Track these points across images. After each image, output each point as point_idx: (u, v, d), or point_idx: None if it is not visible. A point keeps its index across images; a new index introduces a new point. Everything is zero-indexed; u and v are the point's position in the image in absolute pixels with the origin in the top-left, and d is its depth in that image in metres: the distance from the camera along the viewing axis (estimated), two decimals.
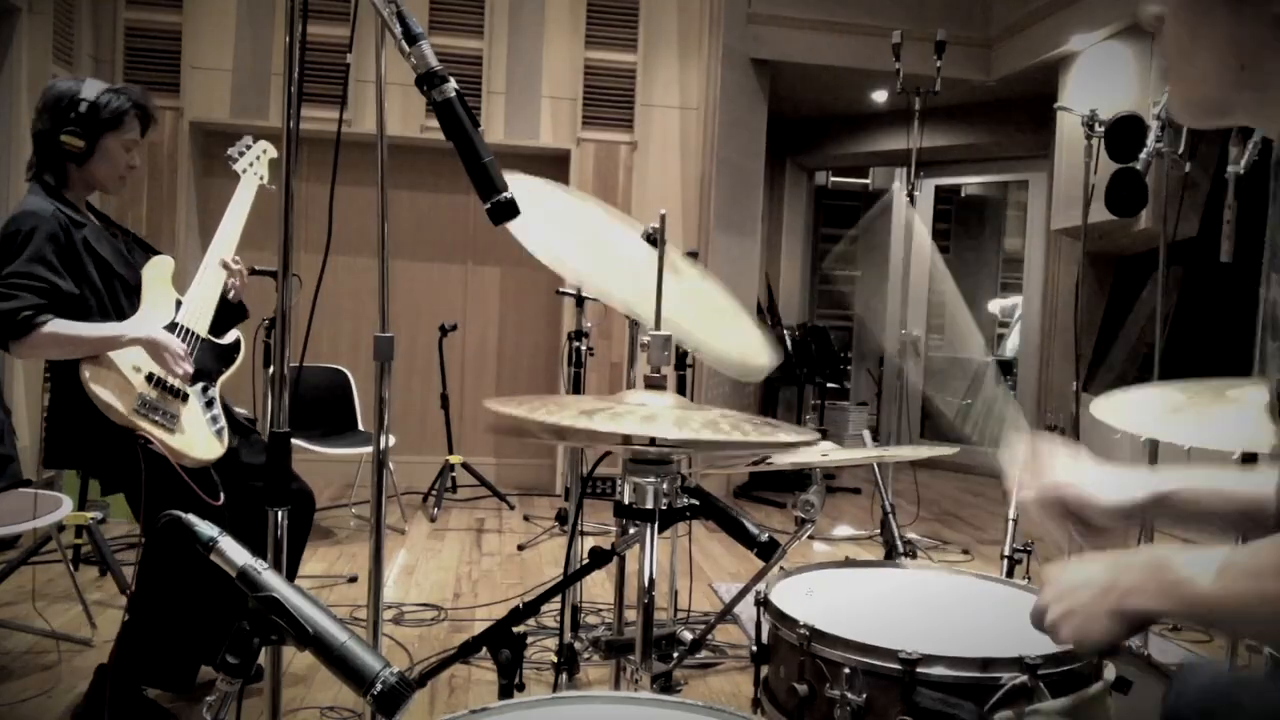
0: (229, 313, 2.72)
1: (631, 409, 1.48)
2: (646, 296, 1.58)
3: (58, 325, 2.30)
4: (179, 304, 2.59)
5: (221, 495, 2.44)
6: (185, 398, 2.48)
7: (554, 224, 1.78)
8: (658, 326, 1.57)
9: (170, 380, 2.44)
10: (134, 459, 2.32)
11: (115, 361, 2.38)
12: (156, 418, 2.38)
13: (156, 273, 2.58)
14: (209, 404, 2.55)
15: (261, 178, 2.85)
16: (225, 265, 2.65)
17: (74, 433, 2.41)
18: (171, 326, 2.51)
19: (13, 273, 2.28)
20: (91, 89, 2.46)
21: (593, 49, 5.81)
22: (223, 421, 2.55)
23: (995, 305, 8.45)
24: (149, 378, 2.41)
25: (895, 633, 1.29)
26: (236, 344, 2.72)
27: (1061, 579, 1.00)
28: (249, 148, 2.86)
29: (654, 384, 1.58)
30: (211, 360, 2.62)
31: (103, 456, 2.42)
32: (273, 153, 2.96)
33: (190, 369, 2.46)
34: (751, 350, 1.90)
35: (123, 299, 2.49)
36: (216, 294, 2.64)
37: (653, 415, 1.45)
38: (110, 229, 2.62)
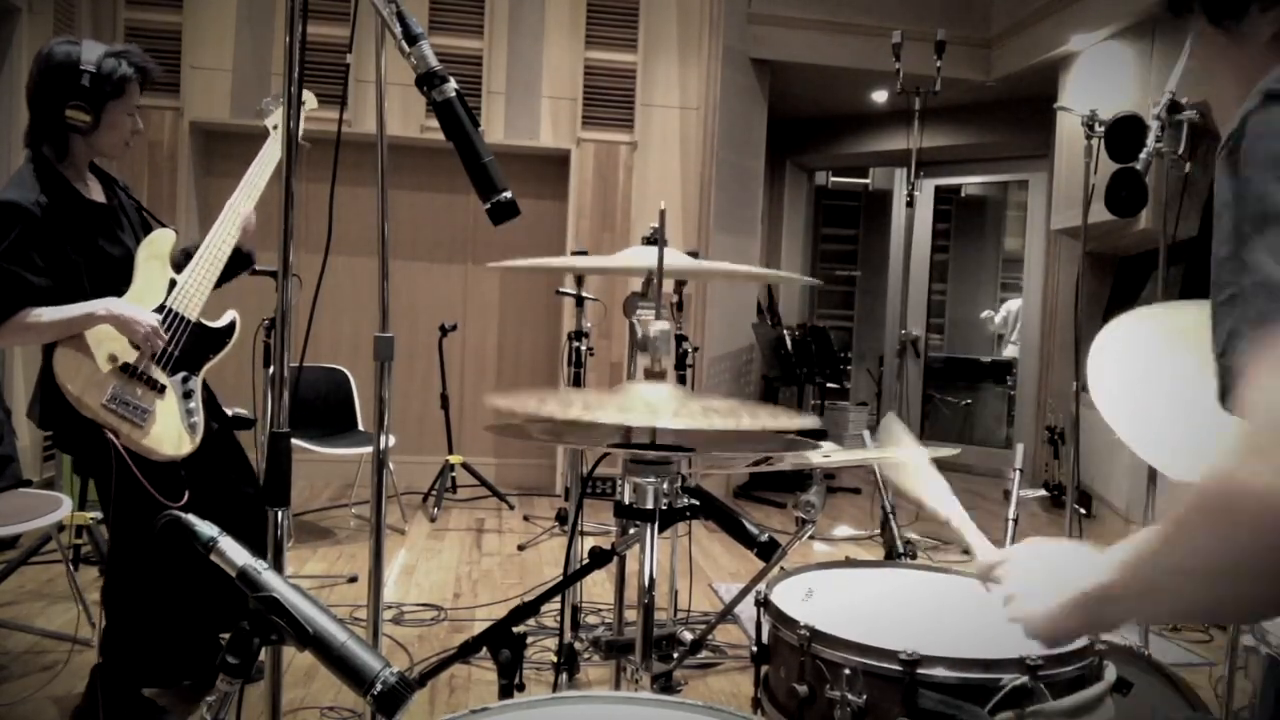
0: (236, 260, 2.61)
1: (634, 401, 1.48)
2: None
3: (26, 315, 2.25)
4: (173, 284, 2.48)
5: (186, 494, 2.37)
6: (162, 390, 2.40)
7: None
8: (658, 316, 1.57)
9: (143, 365, 2.36)
10: (102, 450, 2.28)
11: (90, 352, 2.31)
12: (126, 413, 2.31)
13: (152, 250, 2.48)
14: (187, 395, 2.46)
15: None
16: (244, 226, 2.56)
17: (52, 406, 2.35)
18: (159, 309, 2.43)
19: None
20: (91, 53, 2.33)
21: (593, 49, 5.81)
22: (198, 416, 2.46)
23: (997, 317, 8.39)
24: (124, 368, 2.34)
25: (895, 633, 1.29)
26: (230, 327, 2.60)
27: (1023, 567, 1.06)
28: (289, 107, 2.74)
29: (654, 377, 1.57)
30: (199, 347, 2.51)
31: (73, 440, 2.39)
32: (312, 103, 2.76)
33: (162, 343, 2.38)
34: None
35: (111, 281, 2.40)
36: (214, 277, 2.53)
37: (654, 408, 1.45)
38: (115, 197, 2.53)
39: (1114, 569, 0.89)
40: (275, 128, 2.70)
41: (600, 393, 1.56)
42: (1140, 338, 1.50)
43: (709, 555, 4.57)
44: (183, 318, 2.47)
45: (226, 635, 1.02)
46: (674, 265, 1.66)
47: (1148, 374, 1.42)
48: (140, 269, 2.46)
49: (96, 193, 2.49)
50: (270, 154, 2.64)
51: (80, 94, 2.31)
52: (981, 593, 1.59)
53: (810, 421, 1.47)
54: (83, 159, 2.44)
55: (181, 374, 2.47)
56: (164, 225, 2.59)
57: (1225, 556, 0.75)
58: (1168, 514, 0.82)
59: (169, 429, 2.40)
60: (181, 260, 2.55)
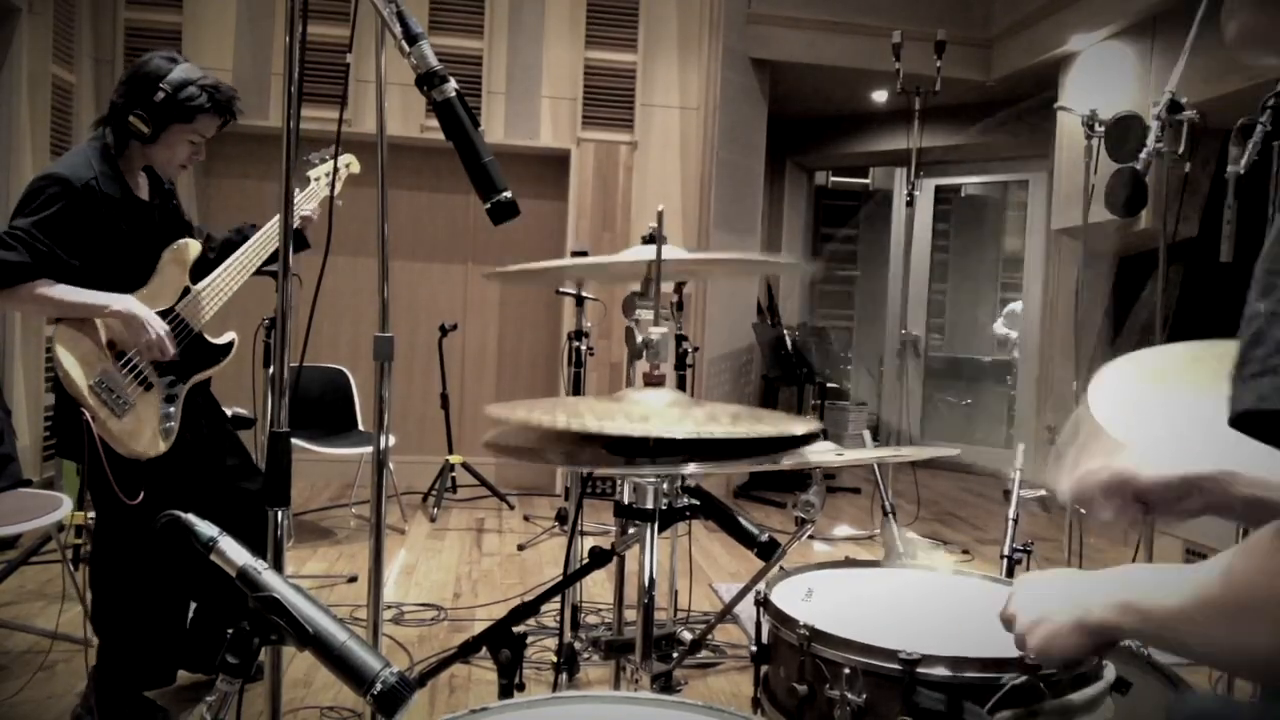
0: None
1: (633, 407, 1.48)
2: None
3: (44, 286, 2.28)
4: (186, 291, 2.53)
5: (141, 495, 2.38)
6: (149, 387, 2.43)
7: None
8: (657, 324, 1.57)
9: (139, 362, 2.40)
10: (79, 433, 2.30)
11: (93, 333, 2.34)
12: (109, 399, 2.33)
13: (174, 255, 2.54)
14: (169, 400, 2.48)
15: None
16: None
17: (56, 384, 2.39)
18: (166, 312, 2.46)
19: (19, 227, 2.27)
20: (179, 74, 2.40)
21: (593, 49, 5.81)
22: (175, 422, 2.49)
23: (1000, 327, 8.37)
24: (119, 357, 2.37)
25: (895, 633, 1.29)
26: (228, 346, 2.65)
27: (1031, 587, 1.04)
28: (332, 157, 2.78)
29: (653, 382, 1.57)
30: (194, 358, 2.55)
31: (63, 421, 2.40)
32: (355, 168, 2.88)
33: (170, 352, 2.41)
34: None
35: (131, 274, 2.44)
36: (229, 294, 2.59)
37: (647, 415, 1.45)
38: (158, 197, 2.57)
39: (1121, 609, 0.90)
40: (316, 179, 2.78)
41: (599, 400, 1.56)
42: (1133, 373, 1.53)
43: (709, 555, 4.57)
44: (186, 325, 2.52)
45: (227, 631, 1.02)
46: (666, 259, 1.66)
47: (1142, 403, 1.44)
48: (159, 271, 2.51)
49: (143, 190, 2.54)
50: (307, 194, 2.75)
51: (148, 107, 2.38)
52: (981, 592, 1.59)
53: (811, 425, 1.47)
54: (137, 160, 2.49)
55: (170, 378, 2.50)
56: (196, 236, 2.64)
57: (1241, 650, 0.76)
58: (1199, 585, 0.82)
59: (145, 427, 2.42)
60: (205, 267, 2.60)
